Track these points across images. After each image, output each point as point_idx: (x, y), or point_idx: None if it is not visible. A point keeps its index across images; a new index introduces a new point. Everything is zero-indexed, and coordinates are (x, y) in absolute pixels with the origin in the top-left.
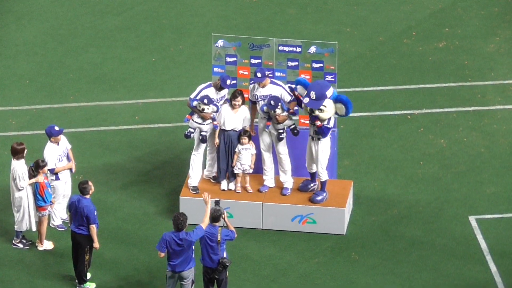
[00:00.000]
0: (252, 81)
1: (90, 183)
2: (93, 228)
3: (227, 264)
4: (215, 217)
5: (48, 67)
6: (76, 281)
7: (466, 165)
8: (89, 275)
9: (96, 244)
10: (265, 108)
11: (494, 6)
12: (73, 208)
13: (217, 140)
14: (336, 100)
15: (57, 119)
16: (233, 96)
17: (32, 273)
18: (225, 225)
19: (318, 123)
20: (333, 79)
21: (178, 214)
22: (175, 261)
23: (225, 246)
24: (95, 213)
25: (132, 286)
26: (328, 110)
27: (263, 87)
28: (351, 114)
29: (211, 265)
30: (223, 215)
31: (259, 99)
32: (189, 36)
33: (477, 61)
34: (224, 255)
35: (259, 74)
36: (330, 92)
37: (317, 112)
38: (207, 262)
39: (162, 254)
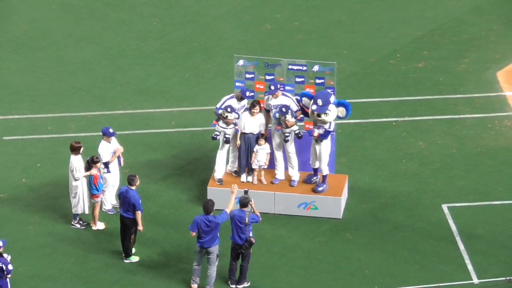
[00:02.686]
0: (267, 93)
1: (137, 177)
2: (138, 214)
3: (253, 242)
4: (244, 203)
5: (101, 81)
6: (123, 254)
7: (440, 163)
8: (134, 250)
9: (141, 227)
10: (277, 115)
11: (464, 34)
12: (122, 196)
13: (238, 142)
14: (338, 104)
15: (108, 123)
16: (252, 105)
17: (87, 248)
18: (252, 210)
19: (316, 134)
20: (332, 92)
21: (207, 200)
22: (204, 239)
23: (251, 228)
24: (140, 201)
25: (168, 260)
26: (332, 113)
27: (275, 98)
28: (347, 120)
29: (239, 242)
30: (251, 202)
31: (272, 108)
32: (216, 57)
33: (450, 78)
34: (251, 235)
35: (272, 87)
36: (332, 98)
37: (323, 116)
38: (236, 240)
39: (194, 234)
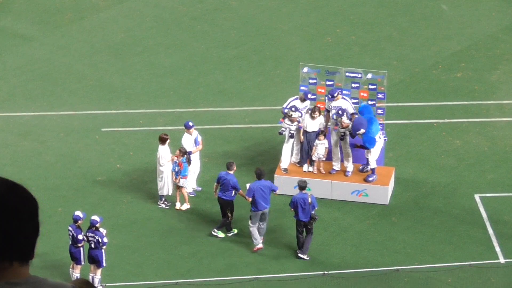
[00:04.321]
0: (328, 98)
1: (234, 163)
2: (241, 192)
3: (316, 218)
4: (302, 186)
5: (186, 83)
6: (217, 229)
7: (473, 159)
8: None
9: (249, 199)
10: (335, 116)
11: (497, 49)
12: (221, 180)
13: (302, 138)
14: (364, 139)
15: (190, 119)
16: (313, 111)
17: (171, 225)
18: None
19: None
20: (382, 97)
21: (258, 167)
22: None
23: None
24: (238, 183)
25: (243, 235)
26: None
27: (336, 100)
28: (395, 121)
29: (305, 220)
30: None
31: (332, 109)
32: (284, 64)
33: (483, 86)
34: (313, 212)
35: (330, 96)
36: (361, 132)
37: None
38: (301, 217)
39: (249, 199)
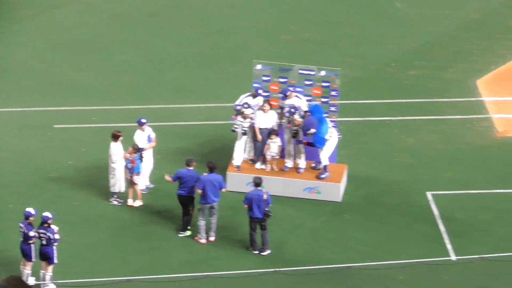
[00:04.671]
0: (281, 97)
1: (193, 159)
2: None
3: (271, 214)
4: (258, 183)
5: (141, 80)
6: (182, 231)
7: (427, 157)
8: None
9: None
10: (287, 114)
11: (451, 47)
12: (183, 177)
13: (260, 137)
14: (314, 139)
15: (144, 116)
16: (263, 104)
17: (123, 221)
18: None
19: (304, 142)
20: (336, 94)
21: (210, 161)
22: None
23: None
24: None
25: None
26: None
27: (289, 98)
28: (348, 118)
29: (259, 216)
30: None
31: (285, 107)
32: (239, 62)
33: (437, 84)
34: (267, 209)
35: (282, 95)
36: (311, 131)
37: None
38: (256, 214)
39: (200, 191)
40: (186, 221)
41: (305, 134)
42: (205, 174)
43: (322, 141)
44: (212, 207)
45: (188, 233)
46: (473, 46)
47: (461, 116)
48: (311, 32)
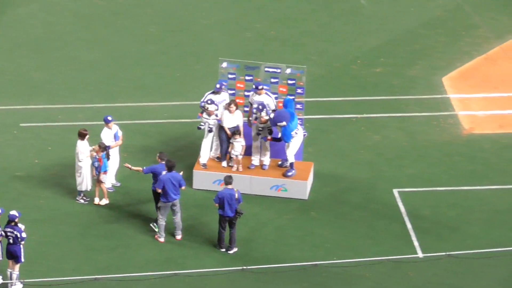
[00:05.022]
0: (252, 90)
1: (165, 153)
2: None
3: (242, 213)
4: (228, 182)
5: (106, 78)
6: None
7: (392, 154)
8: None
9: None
10: (255, 110)
11: (416, 44)
12: (159, 172)
13: (230, 134)
14: (282, 130)
15: (110, 114)
16: (229, 104)
17: (89, 220)
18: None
19: (269, 138)
20: (302, 92)
21: (168, 159)
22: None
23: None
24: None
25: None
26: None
27: (259, 95)
28: (314, 116)
29: (231, 215)
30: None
31: (254, 103)
32: (204, 60)
33: (402, 82)
34: (238, 207)
35: (254, 86)
36: (281, 124)
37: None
38: (227, 213)
39: (160, 190)
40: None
41: (274, 125)
42: (164, 173)
43: (290, 136)
44: (173, 205)
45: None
46: (438, 43)
47: (427, 113)
48: (276, 30)
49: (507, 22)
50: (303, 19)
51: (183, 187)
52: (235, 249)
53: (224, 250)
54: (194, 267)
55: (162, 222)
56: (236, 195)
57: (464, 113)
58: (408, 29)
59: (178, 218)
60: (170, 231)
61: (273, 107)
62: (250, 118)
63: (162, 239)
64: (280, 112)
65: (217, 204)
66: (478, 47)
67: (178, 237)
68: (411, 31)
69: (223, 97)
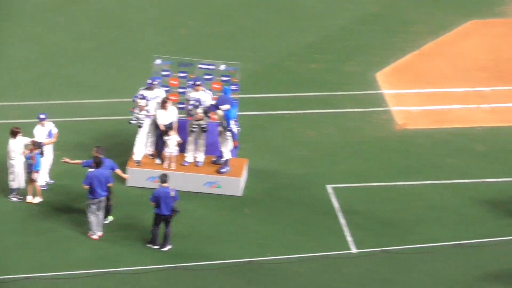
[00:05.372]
0: (189, 86)
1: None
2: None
3: (178, 211)
4: (163, 180)
5: (40, 75)
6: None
7: (326, 150)
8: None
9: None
10: (190, 107)
11: (350, 40)
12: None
13: (163, 128)
14: (224, 115)
15: (44, 112)
16: (162, 102)
17: (23, 218)
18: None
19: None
20: (236, 88)
21: (96, 156)
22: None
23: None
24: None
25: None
26: (220, 117)
27: (196, 91)
28: (248, 112)
29: (167, 213)
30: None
31: (190, 99)
32: (139, 56)
33: (337, 78)
34: (174, 205)
35: (191, 82)
36: (225, 107)
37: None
38: (164, 211)
39: (87, 187)
40: (107, 208)
41: (217, 109)
42: (91, 170)
43: (229, 122)
44: (100, 202)
45: (111, 218)
46: (372, 39)
47: (361, 109)
48: (210, 26)
49: (441, 17)
50: (237, 15)
51: (109, 184)
52: (169, 246)
53: (157, 247)
54: (128, 265)
55: (91, 219)
56: (172, 193)
57: (398, 109)
58: (342, 25)
59: (101, 215)
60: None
61: (209, 104)
62: (184, 116)
63: (95, 236)
64: (223, 97)
65: (153, 203)
66: (412, 43)
67: (100, 233)
68: (345, 27)
69: (156, 93)
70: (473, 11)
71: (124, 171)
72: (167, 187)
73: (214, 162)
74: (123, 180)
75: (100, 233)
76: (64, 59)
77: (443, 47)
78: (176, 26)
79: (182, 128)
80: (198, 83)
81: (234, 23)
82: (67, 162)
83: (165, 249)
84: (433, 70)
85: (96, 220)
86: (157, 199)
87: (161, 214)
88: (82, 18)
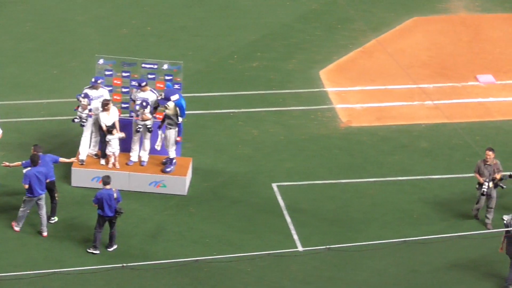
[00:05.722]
0: (135, 87)
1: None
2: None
3: (122, 212)
4: (106, 182)
5: None
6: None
7: (271, 148)
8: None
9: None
10: (137, 107)
11: (292, 38)
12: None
13: (104, 128)
14: (176, 104)
15: None
16: (103, 105)
17: None
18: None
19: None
20: (179, 87)
21: (34, 154)
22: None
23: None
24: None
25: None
26: (171, 109)
27: (143, 91)
28: (192, 111)
29: (111, 215)
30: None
31: (137, 99)
32: (80, 56)
33: (280, 76)
34: (118, 207)
35: (137, 84)
36: (175, 97)
37: (163, 108)
38: (107, 213)
39: (26, 186)
40: (53, 207)
41: (167, 101)
42: (29, 168)
43: (184, 110)
44: (39, 199)
45: (56, 218)
46: (314, 37)
47: (305, 107)
48: (152, 26)
49: (381, 15)
50: (178, 14)
51: (47, 180)
52: (114, 246)
53: (98, 252)
54: (74, 265)
55: (22, 213)
56: (115, 195)
57: (341, 106)
58: (284, 23)
59: (43, 213)
60: (35, 228)
61: (156, 105)
62: (132, 114)
63: (17, 228)
64: (170, 88)
65: (96, 205)
66: (354, 40)
67: (44, 233)
68: (287, 25)
69: (100, 93)
70: (415, 8)
71: (68, 171)
72: (110, 189)
73: (164, 163)
74: (68, 180)
75: (45, 234)
76: (5, 60)
77: (386, 44)
78: (118, 25)
79: (127, 128)
80: (143, 83)
81: (176, 22)
82: (8, 166)
83: (111, 249)
84: (376, 67)
85: (23, 215)
86: (100, 201)
87: (105, 216)
88: (22, 18)
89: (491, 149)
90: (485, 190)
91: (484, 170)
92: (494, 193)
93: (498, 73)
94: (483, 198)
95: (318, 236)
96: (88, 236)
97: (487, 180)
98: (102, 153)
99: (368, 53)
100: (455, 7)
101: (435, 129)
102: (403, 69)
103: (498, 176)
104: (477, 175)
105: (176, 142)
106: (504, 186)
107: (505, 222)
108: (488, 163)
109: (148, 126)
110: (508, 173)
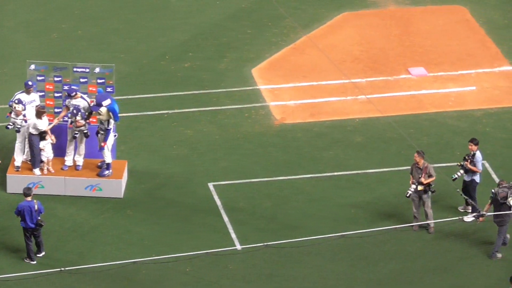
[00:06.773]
0: (66, 98)
1: None
2: None
3: (43, 224)
4: (28, 194)
5: None
6: None
7: (206, 147)
8: None
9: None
10: (70, 114)
11: (224, 37)
12: None
13: (54, 138)
14: (109, 109)
15: None
16: (37, 114)
17: None
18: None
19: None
20: (112, 90)
21: None
22: None
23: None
24: None
25: None
26: (104, 114)
27: (75, 99)
28: (125, 114)
29: (32, 226)
30: None
31: (70, 106)
32: (11, 62)
33: (212, 75)
34: (39, 218)
35: (67, 94)
36: (106, 102)
37: (97, 114)
38: (29, 225)
39: None
40: None
41: (99, 107)
42: None
43: (117, 114)
44: None
45: None
46: (245, 35)
47: (238, 105)
48: (82, 29)
49: (311, 11)
50: (108, 17)
51: None
52: (43, 253)
53: (34, 263)
54: (11, 271)
55: None
56: (36, 207)
57: (275, 104)
58: (214, 22)
59: None
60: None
61: (88, 111)
62: (67, 119)
63: None
64: (101, 93)
65: (18, 216)
66: (285, 37)
67: None
68: (217, 24)
69: (32, 97)
70: (344, 4)
71: (4, 177)
72: (31, 201)
73: (100, 167)
74: (4, 187)
75: None
76: None
77: (317, 40)
78: (48, 30)
79: (62, 132)
80: (73, 93)
81: (106, 25)
82: None
83: (40, 255)
84: (308, 63)
85: None
86: (21, 212)
87: (27, 228)
88: None
89: (418, 152)
90: (409, 192)
91: (414, 173)
92: (425, 197)
93: (430, 65)
94: (415, 200)
95: (256, 234)
96: (23, 244)
97: (416, 183)
98: (36, 163)
99: (299, 49)
100: (384, 1)
101: (369, 123)
102: (335, 65)
103: (424, 181)
104: (411, 177)
105: (101, 148)
106: (433, 191)
107: (493, 191)
108: (418, 166)
109: (84, 132)
110: (459, 162)
